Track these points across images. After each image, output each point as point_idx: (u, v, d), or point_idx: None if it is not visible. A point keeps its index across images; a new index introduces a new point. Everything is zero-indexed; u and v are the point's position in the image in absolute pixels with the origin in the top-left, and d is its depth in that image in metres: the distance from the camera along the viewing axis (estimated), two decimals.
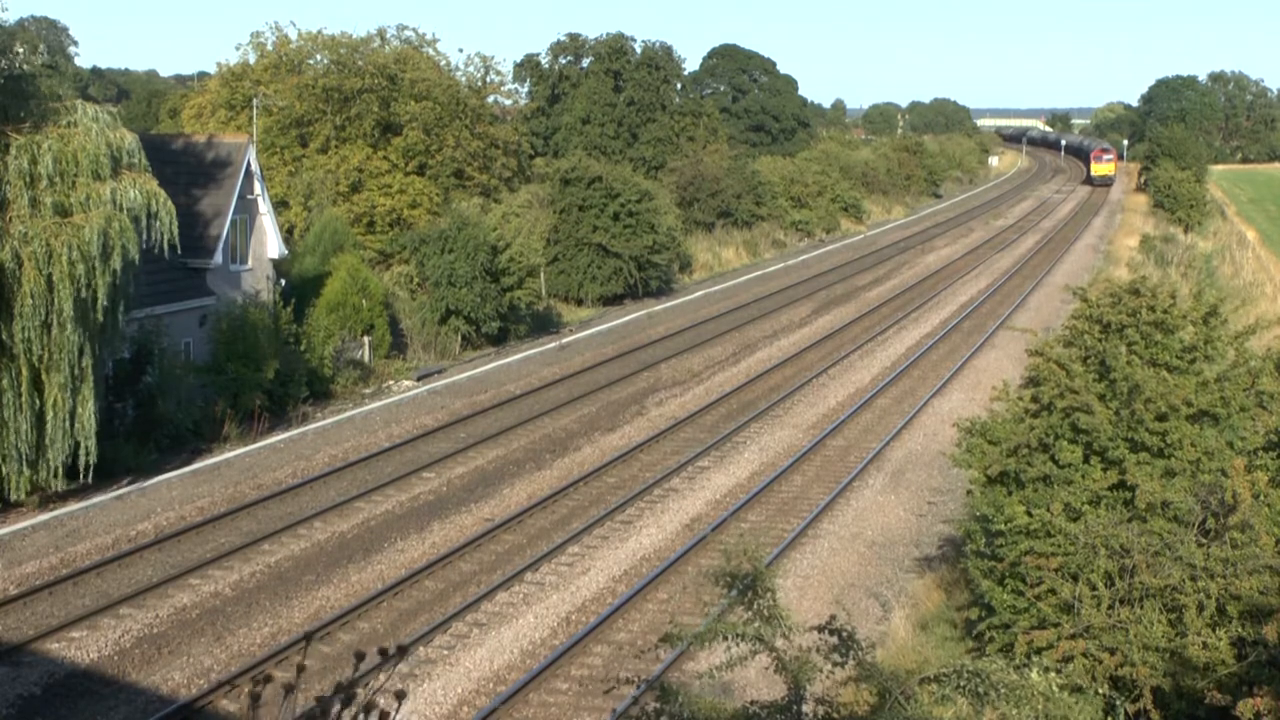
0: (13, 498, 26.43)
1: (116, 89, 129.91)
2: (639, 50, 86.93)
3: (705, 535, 26.11)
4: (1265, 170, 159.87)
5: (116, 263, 26.50)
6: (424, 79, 54.85)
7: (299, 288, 40.61)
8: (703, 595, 23.14)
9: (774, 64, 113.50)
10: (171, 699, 18.94)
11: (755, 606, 10.37)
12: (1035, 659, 13.73)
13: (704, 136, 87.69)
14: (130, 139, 27.81)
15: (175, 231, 28.09)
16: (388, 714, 5.13)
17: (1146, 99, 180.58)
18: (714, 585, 11.45)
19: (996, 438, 18.75)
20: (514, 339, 47.57)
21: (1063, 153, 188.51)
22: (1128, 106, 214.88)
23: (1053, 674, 11.46)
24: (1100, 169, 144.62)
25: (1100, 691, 13.86)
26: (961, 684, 9.88)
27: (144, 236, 27.66)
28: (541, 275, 52.54)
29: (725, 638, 10.50)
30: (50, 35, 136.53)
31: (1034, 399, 19.02)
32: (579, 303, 56.31)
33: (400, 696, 5.54)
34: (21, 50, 29.33)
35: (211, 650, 20.71)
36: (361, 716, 5.13)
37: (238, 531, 26.16)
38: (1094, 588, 15.09)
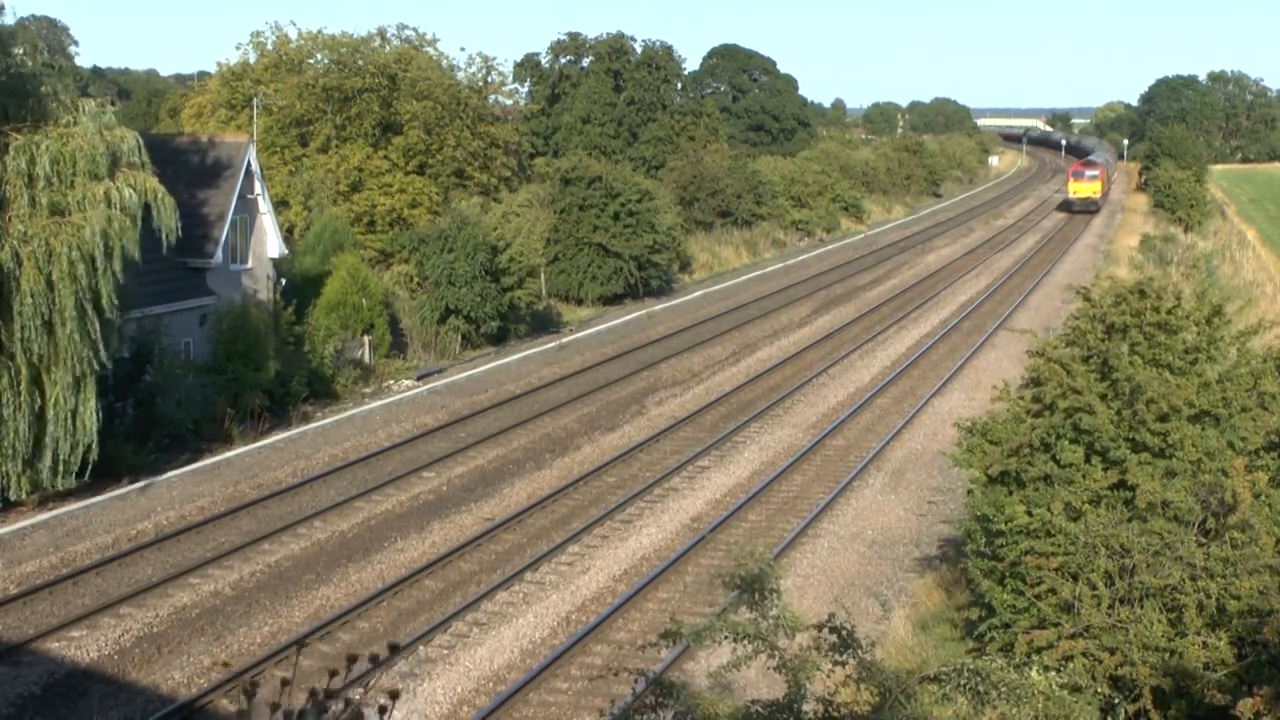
0: (13, 497, 26.44)
1: (116, 89, 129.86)
2: (639, 50, 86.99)
3: (705, 535, 26.11)
4: (1265, 170, 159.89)
5: (116, 262, 26.51)
6: (424, 78, 54.86)
7: (299, 287, 40.62)
8: (703, 595, 23.14)
9: (774, 64, 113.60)
10: (171, 698, 18.94)
11: (761, 607, 10.37)
12: (1035, 659, 13.74)
13: (704, 136, 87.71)
14: (130, 137, 27.81)
15: (176, 224, 28.09)
16: (385, 709, 5.14)
17: (1146, 99, 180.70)
18: (720, 586, 11.44)
19: (997, 438, 18.75)
20: (514, 339, 47.57)
21: (1063, 152, 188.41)
22: (1128, 106, 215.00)
23: (1053, 673, 11.46)
24: (1081, 189, 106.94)
25: (1100, 691, 13.85)
26: (961, 683, 9.88)
27: (144, 234, 27.65)
28: (541, 275, 52.55)
29: (727, 636, 10.50)
30: (50, 35, 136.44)
31: (1035, 399, 19.02)
32: (579, 302, 56.31)
33: (394, 696, 5.53)
34: (22, 50, 29.31)
35: (211, 650, 20.71)
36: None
37: (238, 531, 26.16)
38: (1094, 587, 15.08)
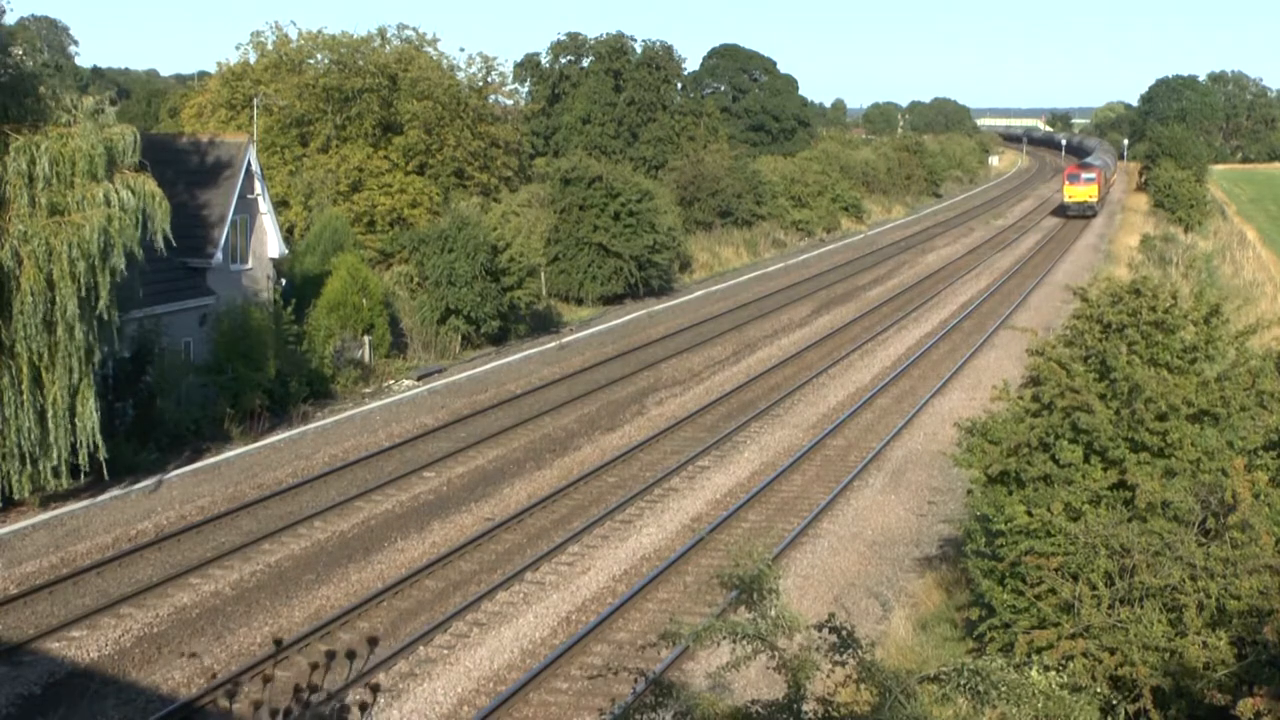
0: (15, 496, 26.45)
1: (116, 88, 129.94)
2: (639, 50, 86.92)
3: (704, 535, 26.10)
4: (1265, 170, 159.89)
5: (118, 261, 26.54)
6: (425, 78, 54.85)
7: (299, 287, 40.62)
8: (703, 595, 23.15)
9: (774, 64, 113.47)
10: (171, 698, 18.95)
11: (760, 607, 10.37)
12: (1035, 659, 13.75)
13: (704, 136, 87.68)
14: (129, 136, 27.79)
15: (168, 229, 28.03)
16: (366, 705, 5.20)
17: (1146, 99, 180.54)
18: (720, 586, 11.46)
19: (997, 437, 18.75)
20: (514, 338, 47.58)
21: (1063, 152, 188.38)
22: (1128, 106, 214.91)
23: (1053, 673, 11.46)
24: (1077, 193, 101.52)
25: (1100, 691, 13.86)
26: (961, 683, 9.88)
27: (141, 235, 27.66)
28: (541, 275, 52.55)
29: (727, 636, 10.50)
30: (50, 35, 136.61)
31: (1034, 398, 19.02)
32: (579, 302, 56.31)
33: (375, 689, 5.58)
34: (21, 50, 29.32)
35: (212, 649, 20.72)
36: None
37: (238, 531, 26.17)
38: (1094, 587, 15.09)
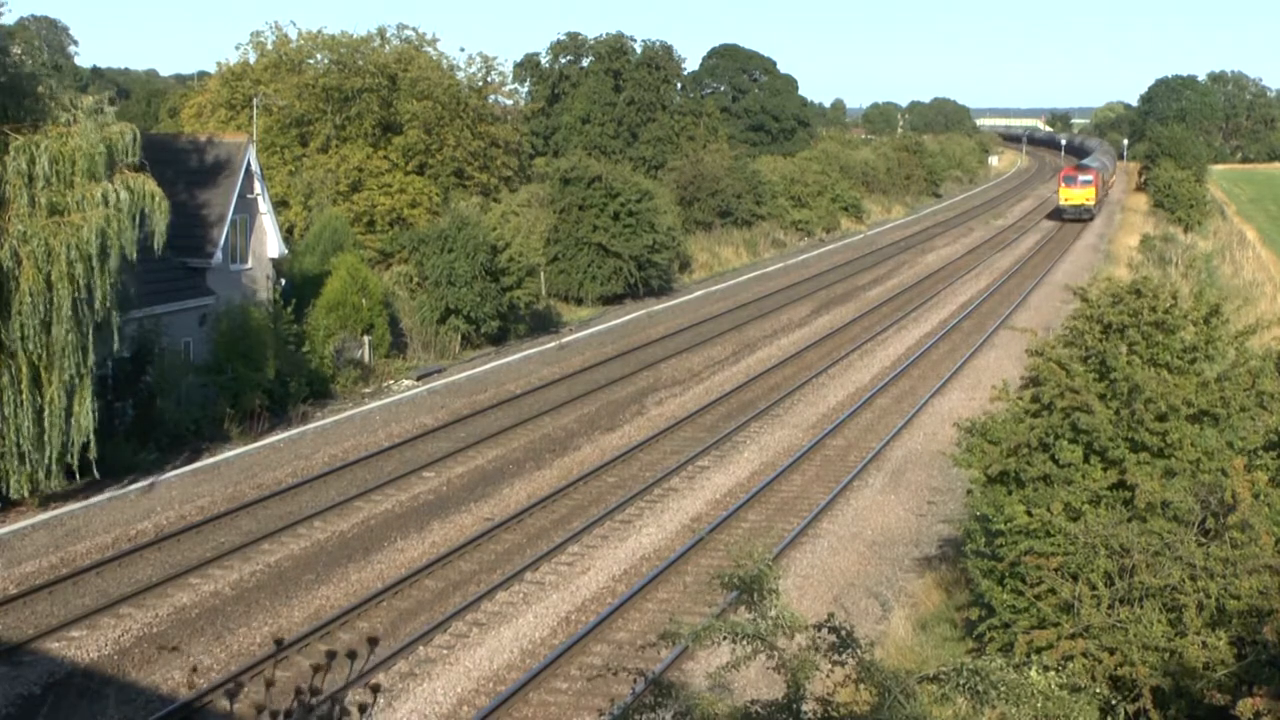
0: (14, 496, 26.44)
1: (116, 88, 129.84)
2: (639, 50, 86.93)
3: (704, 535, 26.10)
4: (1265, 170, 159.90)
5: (115, 262, 26.53)
6: (424, 78, 54.86)
7: (299, 287, 40.61)
8: (703, 595, 23.14)
9: (774, 64, 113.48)
10: (171, 698, 18.94)
11: (760, 607, 10.37)
12: (1035, 659, 13.73)
13: (704, 136, 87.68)
14: (129, 134, 27.75)
15: (164, 230, 27.99)
16: (365, 706, 5.22)
17: (1146, 99, 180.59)
18: (720, 586, 11.45)
19: (996, 437, 18.75)
20: (513, 338, 47.57)
21: (1063, 152, 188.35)
22: (1128, 106, 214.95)
23: (1052, 673, 11.45)
24: (1073, 195, 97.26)
25: (1100, 691, 13.85)
26: (961, 683, 9.88)
27: (140, 235, 27.66)
28: (541, 275, 52.55)
29: (726, 636, 10.49)
30: (50, 35, 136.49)
31: (1034, 399, 19.02)
32: (579, 302, 56.31)
33: (375, 690, 5.60)
34: (20, 50, 29.30)
35: (211, 649, 20.71)
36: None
37: (238, 531, 26.16)
38: (1094, 587, 15.09)
